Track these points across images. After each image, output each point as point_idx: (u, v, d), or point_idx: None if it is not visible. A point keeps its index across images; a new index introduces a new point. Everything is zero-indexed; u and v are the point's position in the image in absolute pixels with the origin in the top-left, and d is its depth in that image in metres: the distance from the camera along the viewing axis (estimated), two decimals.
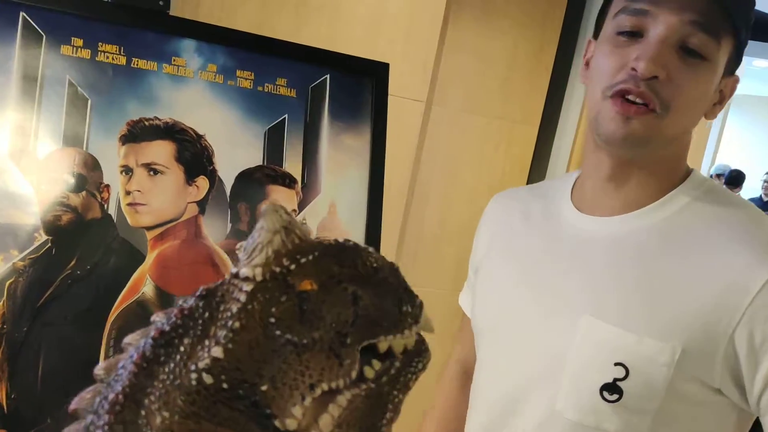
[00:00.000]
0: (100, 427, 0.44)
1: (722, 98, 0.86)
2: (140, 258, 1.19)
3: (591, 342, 0.82)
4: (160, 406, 0.42)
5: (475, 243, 1.12)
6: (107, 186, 1.17)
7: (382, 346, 0.46)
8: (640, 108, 0.78)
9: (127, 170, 1.19)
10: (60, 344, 1.12)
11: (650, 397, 0.79)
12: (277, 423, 0.42)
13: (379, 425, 0.45)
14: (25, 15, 1.12)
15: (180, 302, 0.46)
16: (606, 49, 0.82)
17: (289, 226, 0.45)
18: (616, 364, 0.79)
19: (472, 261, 1.13)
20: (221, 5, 2.05)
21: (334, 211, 1.34)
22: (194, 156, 1.23)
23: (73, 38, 1.16)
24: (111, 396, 0.44)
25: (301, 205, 1.32)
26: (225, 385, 0.42)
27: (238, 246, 0.47)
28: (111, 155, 1.18)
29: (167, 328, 0.44)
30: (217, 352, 0.42)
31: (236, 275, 0.44)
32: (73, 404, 0.49)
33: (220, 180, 1.25)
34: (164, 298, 1.19)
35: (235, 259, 0.62)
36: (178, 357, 0.43)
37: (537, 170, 2.90)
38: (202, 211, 1.24)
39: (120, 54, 1.19)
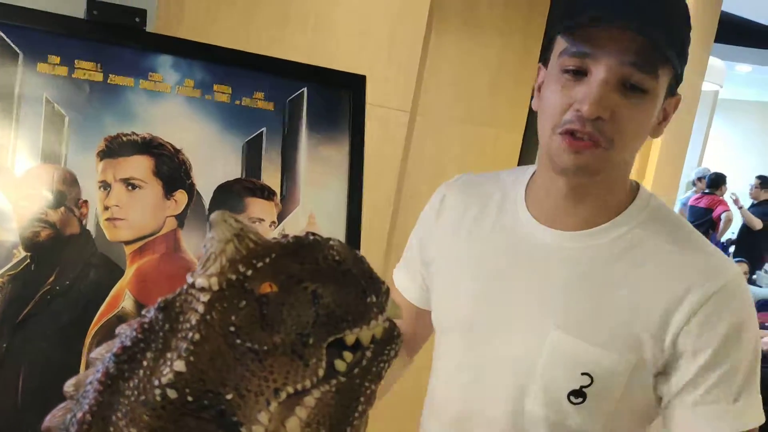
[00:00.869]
0: None
1: (666, 116, 0.93)
2: (119, 272, 1.20)
3: (559, 353, 0.91)
4: (127, 423, 0.42)
5: (424, 233, 1.11)
6: (85, 201, 1.18)
7: (349, 339, 0.46)
8: (587, 143, 0.85)
9: (105, 185, 1.20)
10: (40, 360, 1.13)
11: (609, 399, 0.91)
12: (243, 430, 0.42)
13: (351, 419, 0.45)
14: (0, 33, 1.13)
15: (142, 313, 0.46)
16: (553, 87, 0.88)
17: (240, 233, 0.45)
18: (583, 373, 0.89)
19: (418, 249, 1.12)
20: (204, 19, 2.06)
21: (314, 222, 1.35)
22: (172, 170, 1.24)
23: (49, 56, 1.17)
24: (79, 415, 0.45)
25: (280, 217, 1.33)
26: (189, 398, 0.42)
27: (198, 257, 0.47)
28: (89, 171, 1.19)
29: (129, 343, 0.44)
30: (179, 365, 0.42)
31: (192, 285, 0.45)
32: (46, 422, 0.50)
33: (199, 194, 1.26)
34: None
35: None
36: (142, 372, 0.43)
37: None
38: (180, 225, 1.25)
39: (97, 71, 1.20)
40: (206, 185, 1.27)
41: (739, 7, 3.63)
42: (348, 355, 0.46)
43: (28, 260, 1.13)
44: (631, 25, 0.81)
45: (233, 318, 0.43)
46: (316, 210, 1.37)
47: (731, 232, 6.81)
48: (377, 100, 2.42)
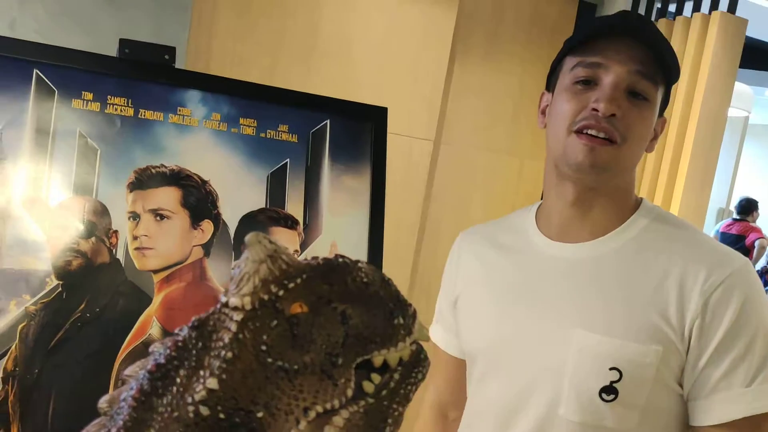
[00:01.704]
0: None
1: (656, 135, 1.01)
2: (147, 300, 1.23)
3: (586, 352, 0.93)
4: None
5: (448, 278, 1.17)
6: (116, 231, 1.22)
7: (377, 360, 0.47)
8: (603, 140, 0.93)
9: (135, 216, 1.24)
10: (70, 386, 1.16)
11: (641, 393, 0.92)
12: None
13: None
14: (38, 72, 1.19)
15: (175, 331, 0.47)
16: (566, 96, 0.97)
17: (274, 254, 0.46)
18: (611, 368, 0.92)
19: (445, 296, 1.17)
20: (232, 56, 2.13)
21: (335, 250, 1.37)
22: (199, 201, 1.28)
23: (83, 92, 1.22)
24: (113, 431, 0.45)
25: (303, 246, 1.36)
26: (222, 415, 0.42)
27: (232, 271, 0.49)
28: (119, 202, 1.23)
29: (163, 360, 0.45)
30: (212, 383, 0.43)
31: (226, 305, 0.45)
32: None
33: (225, 223, 1.30)
34: None
35: None
36: (175, 389, 0.44)
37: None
38: (207, 254, 1.28)
39: (128, 106, 1.25)
40: (232, 215, 1.31)
41: (764, 32, 3.61)
42: (376, 377, 0.47)
43: (60, 288, 1.17)
44: (640, 37, 0.93)
45: (265, 337, 0.44)
46: (339, 239, 1.39)
47: (766, 260, 6.64)
48: (402, 129, 2.46)
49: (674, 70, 0.97)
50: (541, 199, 1.08)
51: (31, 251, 1.17)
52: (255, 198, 1.33)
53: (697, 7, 2.50)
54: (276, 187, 1.35)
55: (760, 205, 6.35)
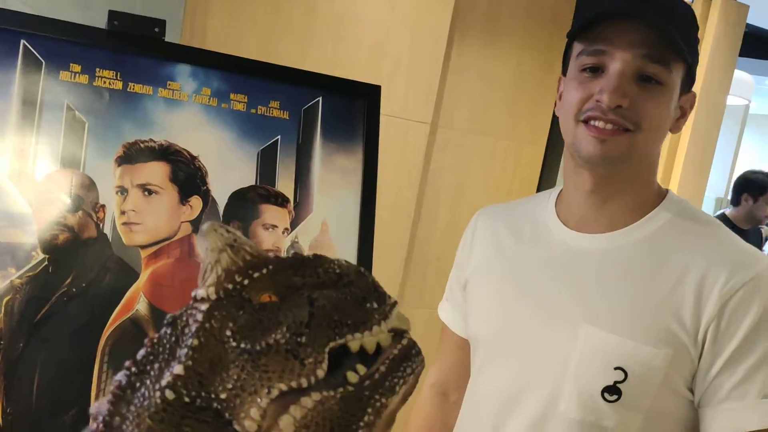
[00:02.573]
0: None
1: (683, 113, 0.97)
2: (134, 276, 1.22)
3: (592, 349, 0.90)
4: (133, 429, 0.44)
5: (461, 257, 1.15)
6: (103, 206, 1.21)
7: (353, 345, 0.47)
8: (612, 131, 0.89)
9: (123, 191, 1.22)
10: (55, 360, 1.15)
11: (646, 396, 0.89)
12: (237, 427, 0.43)
13: (354, 428, 0.45)
14: (25, 43, 1.17)
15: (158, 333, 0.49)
16: (573, 85, 0.93)
17: (235, 243, 0.47)
18: (616, 368, 0.89)
19: (457, 275, 1.15)
20: (228, 33, 2.11)
21: (326, 229, 1.36)
22: (188, 176, 1.26)
23: (71, 64, 1.20)
24: (93, 426, 0.46)
25: (294, 224, 1.35)
26: (186, 399, 0.43)
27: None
28: (107, 176, 1.22)
29: (139, 357, 0.47)
30: (178, 369, 0.43)
31: (195, 298, 0.46)
32: None
33: (214, 200, 1.29)
34: (157, 316, 1.21)
35: None
36: (148, 381, 0.45)
37: (545, 189, 2.90)
38: (195, 231, 1.27)
39: (117, 79, 1.23)
40: (221, 192, 1.30)
41: (766, 20, 3.57)
42: (361, 368, 0.47)
43: (46, 262, 1.16)
44: (644, 19, 0.87)
45: (231, 324, 0.45)
46: (329, 218, 1.38)
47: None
48: (398, 112, 2.44)
49: (689, 48, 0.91)
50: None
51: (17, 224, 1.15)
52: (245, 175, 1.32)
53: None
54: (266, 164, 1.34)
55: None
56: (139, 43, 1.25)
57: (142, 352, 0.47)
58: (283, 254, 1.32)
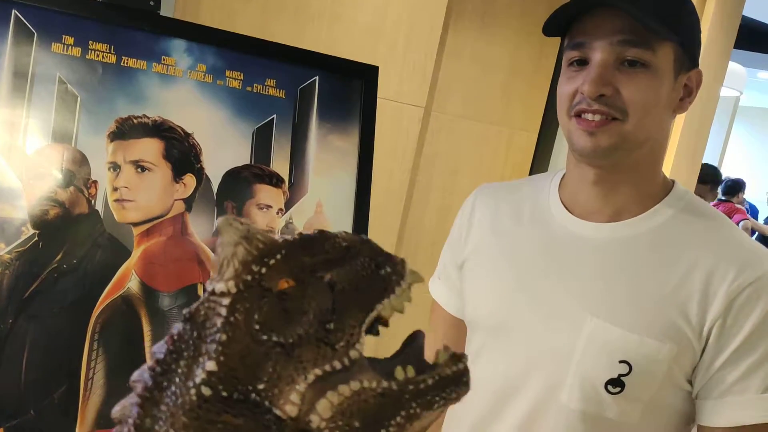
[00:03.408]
0: None
1: (689, 91, 0.95)
2: (126, 253, 1.20)
3: (597, 342, 0.90)
4: (168, 428, 0.44)
5: (457, 235, 1.12)
6: (95, 182, 1.19)
7: (385, 312, 0.47)
8: (599, 121, 0.88)
9: (115, 167, 1.20)
10: (45, 337, 1.14)
11: (648, 389, 0.89)
12: (277, 412, 0.43)
13: (385, 424, 0.45)
14: (17, 13, 1.15)
15: (171, 331, 0.49)
16: (563, 80, 0.94)
17: (248, 234, 0.47)
18: (621, 361, 0.88)
19: (452, 253, 1.12)
20: (221, 10, 2.07)
21: (321, 210, 1.35)
22: (182, 154, 1.25)
23: (64, 36, 1.18)
24: (124, 430, 0.46)
25: (288, 204, 1.33)
26: (224, 393, 0.43)
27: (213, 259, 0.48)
28: (99, 152, 1.19)
29: (162, 356, 0.46)
30: (211, 365, 0.44)
31: (213, 292, 0.46)
32: None
33: (208, 178, 1.27)
34: (149, 294, 1.20)
35: None
36: (178, 379, 0.45)
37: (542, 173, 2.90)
38: (188, 209, 1.25)
39: (110, 52, 1.21)
40: (215, 170, 1.28)
41: (762, 13, 3.58)
42: (411, 371, 0.47)
43: (36, 238, 1.14)
44: (613, 6, 0.86)
45: (256, 316, 0.45)
46: (324, 199, 1.37)
47: None
48: (392, 95, 2.42)
49: (672, 26, 0.88)
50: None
51: (7, 199, 1.13)
52: (239, 153, 1.30)
53: None
54: (261, 143, 1.32)
55: (745, 187, 6.39)
56: (134, 16, 1.23)
57: (163, 350, 0.46)
58: (277, 235, 1.31)
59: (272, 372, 0.44)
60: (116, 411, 0.48)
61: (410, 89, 2.51)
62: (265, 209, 1.31)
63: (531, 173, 2.91)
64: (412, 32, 2.47)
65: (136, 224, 1.22)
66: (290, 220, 1.33)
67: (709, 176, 4.66)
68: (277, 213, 1.32)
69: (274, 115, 1.33)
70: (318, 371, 0.44)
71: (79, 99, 1.19)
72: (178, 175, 1.24)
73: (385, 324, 0.49)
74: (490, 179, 2.89)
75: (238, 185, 1.29)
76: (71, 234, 1.17)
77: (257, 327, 0.44)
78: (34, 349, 1.13)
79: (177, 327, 0.47)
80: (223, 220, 0.47)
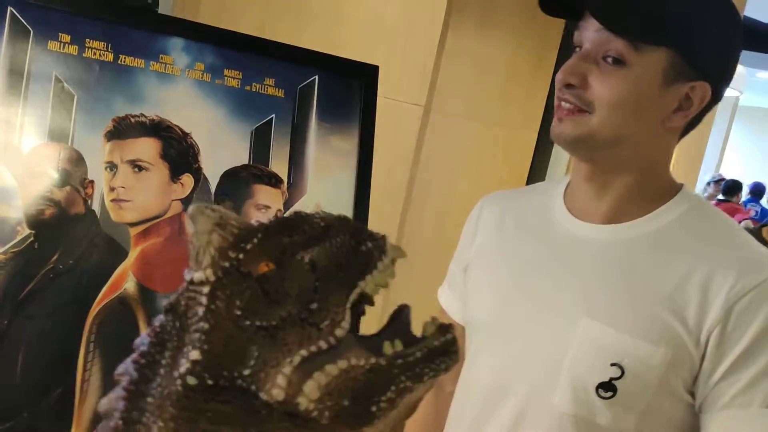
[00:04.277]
0: None
1: (687, 106, 0.88)
2: (123, 254, 1.19)
3: (589, 343, 0.88)
4: (155, 419, 0.44)
5: (464, 242, 1.13)
6: (91, 182, 1.18)
7: (369, 288, 0.47)
8: (567, 110, 0.87)
9: (112, 166, 1.19)
10: (40, 338, 1.12)
11: (642, 396, 0.86)
12: (264, 397, 0.43)
13: (375, 400, 0.45)
14: (13, 10, 1.13)
15: (152, 322, 0.48)
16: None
17: (221, 221, 0.46)
18: (613, 364, 0.86)
19: (458, 259, 1.13)
20: (220, 8, 2.06)
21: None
22: (180, 153, 1.23)
23: (60, 34, 1.16)
24: (111, 424, 0.46)
25: (287, 205, 1.32)
26: (210, 382, 0.43)
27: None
28: (96, 151, 1.18)
29: (145, 348, 0.46)
30: (195, 354, 0.43)
31: (191, 282, 0.46)
32: None
33: (205, 178, 1.26)
34: (146, 295, 1.19)
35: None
36: (162, 371, 0.45)
37: (535, 177, 2.89)
38: (186, 209, 1.24)
39: (107, 51, 1.19)
40: (213, 170, 1.27)
41: (762, 13, 3.58)
42: (399, 344, 0.47)
43: (32, 238, 1.13)
44: (596, 13, 0.84)
45: (238, 302, 0.44)
46: (323, 200, 1.35)
47: None
48: (392, 93, 2.41)
49: (662, 30, 0.83)
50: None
51: (2, 198, 1.12)
52: (238, 153, 1.29)
53: None
54: (260, 143, 1.31)
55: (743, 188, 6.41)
56: (132, 14, 1.21)
57: (146, 342, 0.46)
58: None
59: (257, 357, 0.43)
60: (103, 405, 0.48)
61: (410, 88, 2.50)
62: (263, 210, 1.30)
63: (529, 174, 2.90)
64: (411, 32, 2.46)
65: (133, 224, 1.20)
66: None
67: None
68: (276, 214, 1.31)
69: (273, 115, 1.32)
70: (304, 352, 0.44)
71: (75, 97, 1.17)
72: (175, 175, 1.23)
73: (371, 302, 0.49)
74: (488, 180, 2.89)
75: (237, 185, 1.28)
76: (67, 234, 1.15)
77: (239, 313, 0.44)
78: (30, 351, 1.12)
79: (159, 318, 0.47)
80: (195, 208, 0.47)
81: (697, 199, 0.95)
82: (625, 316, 0.87)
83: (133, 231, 1.20)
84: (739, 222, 6.10)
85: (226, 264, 0.45)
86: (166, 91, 1.24)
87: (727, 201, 6.35)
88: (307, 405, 0.43)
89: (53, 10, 1.16)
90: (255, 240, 0.46)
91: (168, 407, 0.43)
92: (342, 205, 1.37)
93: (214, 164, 1.27)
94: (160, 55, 1.23)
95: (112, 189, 1.19)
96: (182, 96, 1.25)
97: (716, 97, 0.90)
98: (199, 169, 1.25)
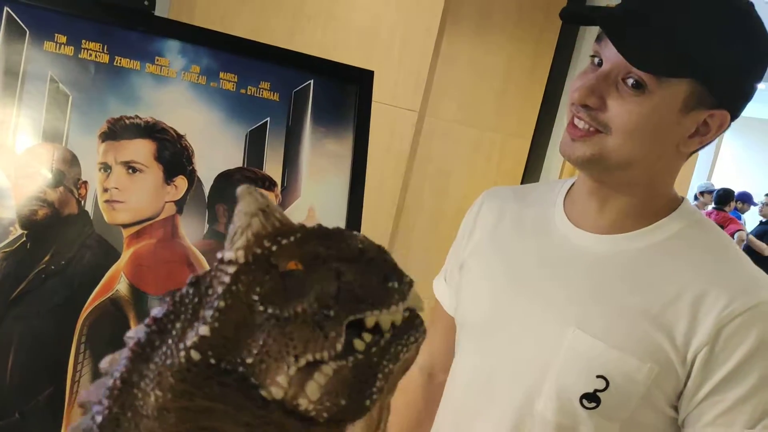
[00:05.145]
0: (100, 412, 0.46)
1: (704, 132, 0.86)
2: (115, 255, 1.19)
3: (576, 353, 0.87)
4: (154, 387, 0.44)
5: (462, 237, 1.12)
6: (85, 182, 1.18)
7: (369, 321, 0.47)
8: (583, 132, 0.85)
9: (106, 167, 1.19)
10: (31, 339, 1.12)
11: (625, 408, 0.86)
12: (263, 393, 0.43)
13: (368, 393, 0.46)
14: (9, 10, 1.13)
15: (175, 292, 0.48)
16: (580, 72, 0.88)
17: (266, 209, 0.46)
18: (598, 376, 0.86)
19: (455, 254, 1.12)
20: (216, 11, 2.06)
21: (313, 215, 1.34)
22: (174, 155, 1.23)
23: (56, 35, 1.16)
24: (110, 382, 0.46)
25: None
26: (212, 361, 0.43)
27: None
28: (90, 152, 1.18)
29: (160, 315, 0.46)
30: (204, 330, 0.43)
31: (221, 260, 0.46)
32: (82, 397, 0.52)
33: (199, 180, 1.26)
34: (138, 296, 1.19)
35: (211, 259, 0.64)
36: (170, 340, 0.45)
37: (529, 183, 2.90)
38: (179, 211, 1.24)
39: (103, 52, 1.20)
40: (207, 172, 1.27)
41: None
42: (367, 336, 0.47)
43: (24, 238, 1.13)
44: (619, 42, 0.80)
45: (258, 289, 0.45)
46: (317, 204, 1.36)
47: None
48: (387, 98, 2.42)
49: (686, 61, 0.80)
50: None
51: None
52: (232, 156, 1.29)
53: None
54: (254, 146, 1.31)
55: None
56: (128, 16, 1.21)
57: (161, 310, 0.46)
58: None
59: (262, 345, 0.43)
60: (105, 363, 0.48)
61: (405, 93, 2.51)
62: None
63: (523, 180, 2.91)
64: (407, 37, 2.47)
65: (126, 226, 1.20)
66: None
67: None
68: None
69: (268, 118, 1.32)
70: (309, 356, 0.44)
71: (70, 98, 1.17)
72: (169, 176, 1.23)
73: (365, 329, 0.48)
74: (482, 185, 2.89)
75: (230, 188, 1.28)
76: (60, 235, 1.15)
77: (256, 298, 0.44)
78: (21, 351, 1.11)
79: (182, 290, 0.47)
80: (244, 187, 0.47)
81: (696, 215, 0.94)
82: (615, 331, 0.86)
83: (126, 232, 1.20)
84: (732, 233, 6.13)
85: (258, 251, 0.45)
86: (161, 93, 1.24)
87: (721, 210, 6.37)
88: (307, 405, 0.44)
89: (50, 10, 1.16)
90: (292, 238, 0.46)
91: (168, 376, 0.43)
92: (336, 210, 1.37)
93: (209, 167, 1.27)
94: (156, 57, 1.24)
95: (105, 190, 1.19)
96: (177, 98, 1.25)
97: (733, 120, 0.88)
98: (194, 171, 1.25)
